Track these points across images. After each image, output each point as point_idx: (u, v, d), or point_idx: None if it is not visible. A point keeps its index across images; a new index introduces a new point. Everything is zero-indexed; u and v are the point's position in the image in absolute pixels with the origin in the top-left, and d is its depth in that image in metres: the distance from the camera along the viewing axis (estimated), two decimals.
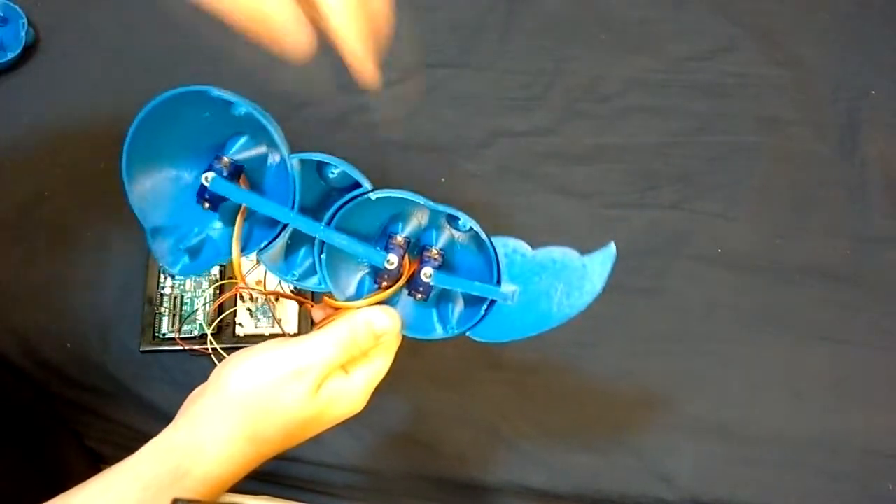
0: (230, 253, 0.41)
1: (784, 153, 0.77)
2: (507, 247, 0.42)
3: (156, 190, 0.41)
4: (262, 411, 0.39)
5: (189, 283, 0.66)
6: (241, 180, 0.41)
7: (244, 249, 0.41)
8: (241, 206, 0.41)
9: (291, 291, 0.64)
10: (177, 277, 0.66)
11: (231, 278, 0.66)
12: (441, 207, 0.41)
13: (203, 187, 0.40)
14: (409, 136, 0.75)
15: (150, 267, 0.66)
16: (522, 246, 0.42)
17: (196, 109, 0.39)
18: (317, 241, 0.41)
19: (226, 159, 0.41)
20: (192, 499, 0.37)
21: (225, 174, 0.40)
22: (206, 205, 0.41)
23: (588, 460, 0.64)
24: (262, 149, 0.42)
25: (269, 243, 0.41)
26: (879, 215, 0.74)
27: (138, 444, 0.39)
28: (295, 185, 0.39)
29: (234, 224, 0.41)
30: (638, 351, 0.68)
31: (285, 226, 0.40)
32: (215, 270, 0.66)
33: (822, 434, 0.65)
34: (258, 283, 0.65)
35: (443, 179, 0.74)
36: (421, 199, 0.40)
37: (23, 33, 0.74)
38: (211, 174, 0.40)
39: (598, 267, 0.41)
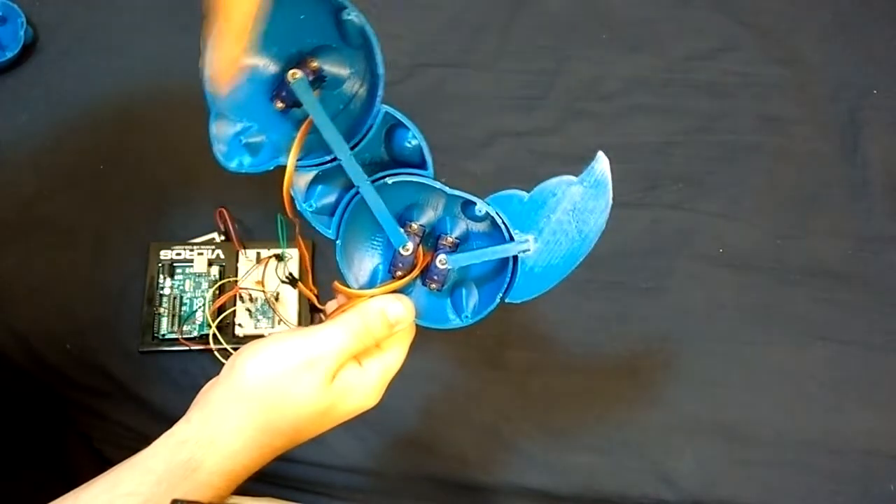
0: (287, 159, 0.39)
1: (786, 153, 0.77)
2: (503, 200, 0.41)
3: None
4: (274, 403, 0.38)
5: (188, 284, 0.66)
6: (315, 93, 0.40)
7: (301, 160, 0.40)
8: (303, 120, 0.39)
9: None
10: (176, 277, 0.66)
11: (231, 278, 0.66)
12: (457, 193, 0.41)
13: (283, 84, 0.39)
14: None
15: (150, 267, 0.66)
16: (518, 193, 0.41)
17: (302, 5, 0.38)
18: (337, 213, 0.41)
19: (315, 64, 0.39)
20: (190, 500, 0.37)
21: (309, 80, 0.39)
22: (280, 104, 0.39)
23: (589, 460, 0.64)
24: (346, 71, 0.40)
25: (312, 166, 0.40)
26: (881, 215, 0.74)
27: (138, 445, 0.39)
28: (372, 127, 0.39)
29: (296, 131, 0.40)
30: (639, 351, 0.68)
31: (333, 158, 0.39)
32: (215, 270, 0.66)
33: (823, 434, 0.65)
34: (257, 283, 0.65)
35: (443, 179, 0.73)
36: (437, 184, 0.40)
37: (21, 32, 0.73)
38: (299, 73, 0.38)
39: (597, 180, 0.40)
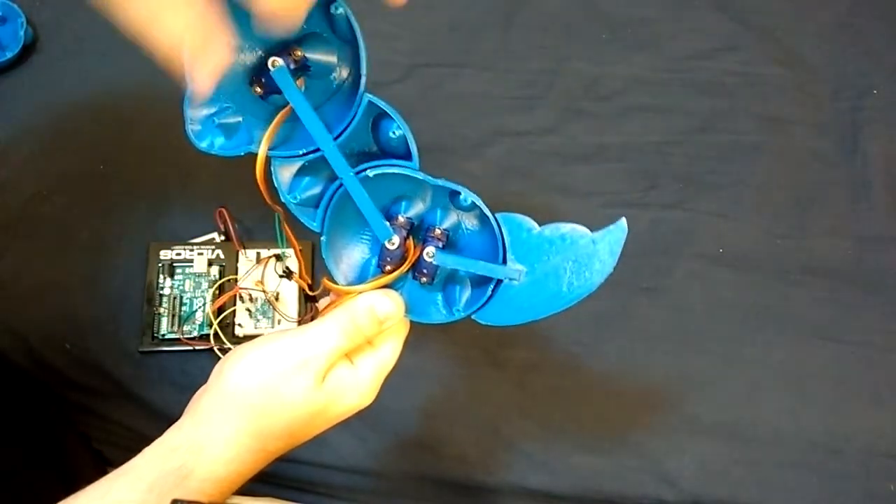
0: (259, 145, 0.39)
1: (785, 152, 0.77)
2: (513, 223, 0.41)
3: None
4: (265, 407, 0.38)
5: (188, 284, 0.66)
6: (299, 81, 0.39)
7: (274, 149, 0.39)
8: (285, 106, 0.39)
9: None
10: (176, 277, 0.66)
11: (231, 278, 0.66)
12: (440, 182, 0.40)
13: (263, 70, 0.38)
14: None
15: (150, 267, 0.66)
16: (529, 222, 0.41)
17: None
18: (322, 206, 0.40)
19: (299, 52, 0.39)
20: (191, 500, 0.37)
21: (291, 68, 0.38)
22: (258, 90, 0.39)
23: (589, 461, 0.64)
24: (333, 60, 0.40)
25: (292, 157, 0.39)
26: (881, 215, 0.74)
27: (137, 445, 0.39)
28: (354, 117, 0.38)
29: (273, 118, 0.39)
30: (639, 351, 0.68)
31: (317, 149, 0.39)
32: (215, 270, 0.66)
33: (824, 434, 0.65)
34: (257, 283, 0.65)
35: (442, 178, 0.74)
36: (420, 175, 0.39)
37: (21, 32, 0.73)
38: (279, 60, 0.38)
39: (608, 244, 0.40)
